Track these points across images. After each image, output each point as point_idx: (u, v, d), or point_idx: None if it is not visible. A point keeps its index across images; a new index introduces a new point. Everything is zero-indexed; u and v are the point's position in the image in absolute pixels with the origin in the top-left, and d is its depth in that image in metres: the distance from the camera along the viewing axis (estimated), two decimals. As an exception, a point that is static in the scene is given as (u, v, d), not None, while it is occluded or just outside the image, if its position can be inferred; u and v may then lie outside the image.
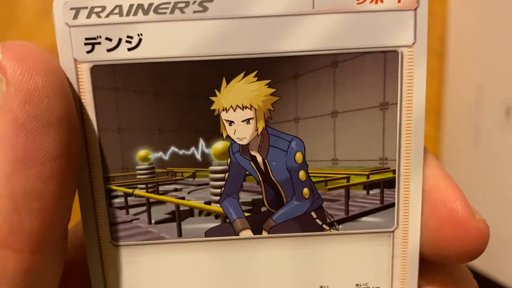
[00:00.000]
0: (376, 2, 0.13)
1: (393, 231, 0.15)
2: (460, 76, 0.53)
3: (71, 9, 0.13)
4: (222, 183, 0.15)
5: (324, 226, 0.15)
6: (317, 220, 0.15)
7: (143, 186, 0.15)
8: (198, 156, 0.15)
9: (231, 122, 0.14)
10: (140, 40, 0.14)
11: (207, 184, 0.15)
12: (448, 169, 0.56)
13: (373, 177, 0.15)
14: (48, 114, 0.12)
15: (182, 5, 0.13)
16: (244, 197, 0.15)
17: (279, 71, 0.14)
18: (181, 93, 0.14)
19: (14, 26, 0.55)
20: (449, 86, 0.55)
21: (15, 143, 0.12)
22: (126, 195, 0.15)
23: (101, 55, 0.14)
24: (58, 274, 0.14)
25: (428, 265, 0.16)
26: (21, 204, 0.12)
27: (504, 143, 0.44)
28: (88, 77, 0.14)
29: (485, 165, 0.47)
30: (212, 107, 0.14)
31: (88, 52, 0.14)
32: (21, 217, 0.12)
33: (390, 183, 0.15)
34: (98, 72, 0.14)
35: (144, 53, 0.14)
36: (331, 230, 0.15)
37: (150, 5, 0.13)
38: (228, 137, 0.15)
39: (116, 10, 0.13)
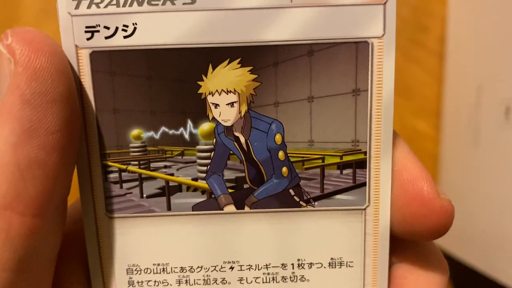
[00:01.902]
0: None
1: (364, 209, 0.16)
2: (460, 76, 0.53)
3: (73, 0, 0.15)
4: (208, 161, 0.16)
5: (301, 202, 0.16)
6: (294, 197, 0.16)
7: (136, 162, 0.16)
8: (187, 136, 0.16)
9: (216, 105, 0.16)
10: (135, 28, 0.15)
11: (194, 162, 0.16)
12: (448, 168, 0.58)
13: (346, 158, 0.16)
14: (51, 91, 0.14)
15: None
16: (228, 174, 0.17)
17: (260, 58, 0.15)
18: (171, 77, 0.16)
19: (15, 26, 0.56)
20: (448, 86, 0.55)
21: (21, 116, 0.13)
22: (120, 170, 0.16)
23: (99, 42, 0.15)
24: (58, 239, 0.15)
25: (400, 244, 0.17)
26: (25, 171, 0.13)
27: (503, 143, 0.43)
28: (87, 62, 0.15)
29: (485, 164, 0.46)
30: (199, 91, 0.16)
31: (88, 39, 0.15)
32: (25, 183, 0.13)
33: (361, 164, 0.16)
34: (97, 57, 0.15)
35: (138, 41, 0.15)
36: (308, 206, 0.16)
37: None
38: (213, 119, 0.16)
39: (114, 1, 0.15)
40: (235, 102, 0.16)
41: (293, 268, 0.17)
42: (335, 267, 0.17)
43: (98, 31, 0.15)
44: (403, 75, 0.57)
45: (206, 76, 0.15)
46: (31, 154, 0.13)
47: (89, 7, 0.15)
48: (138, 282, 0.17)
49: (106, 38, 0.15)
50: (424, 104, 0.56)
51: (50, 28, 0.52)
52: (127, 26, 0.15)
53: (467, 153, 0.50)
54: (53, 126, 0.14)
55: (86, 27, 0.15)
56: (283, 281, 0.17)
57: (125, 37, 0.15)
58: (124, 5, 0.15)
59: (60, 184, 0.14)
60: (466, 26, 0.51)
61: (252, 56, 0.15)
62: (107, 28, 0.15)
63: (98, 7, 0.15)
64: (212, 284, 0.17)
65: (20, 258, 0.14)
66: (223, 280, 0.17)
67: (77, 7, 0.15)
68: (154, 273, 0.17)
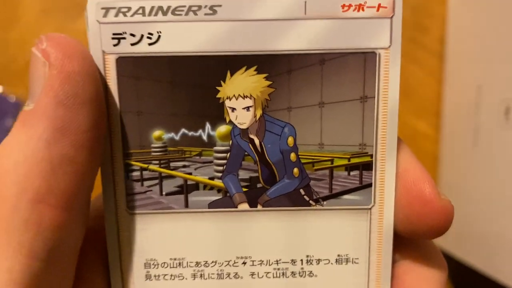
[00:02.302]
0: (358, 11, 0.16)
1: (370, 208, 0.17)
2: (460, 76, 0.52)
3: (102, 8, 0.16)
4: (224, 161, 0.17)
5: (310, 202, 0.17)
6: (304, 197, 0.17)
7: (157, 162, 0.17)
8: (205, 137, 0.17)
9: (233, 109, 0.17)
10: (159, 36, 0.16)
11: (211, 162, 0.17)
12: (448, 168, 0.56)
13: (354, 160, 0.17)
14: (82, 94, 0.15)
15: (195, 8, 0.16)
16: (243, 174, 0.18)
17: (275, 66, 0.16)
18: (192, 83, 0.17)
19: (15, 26, 0.56)
20: (448, 86, 0.55)
21: (55, 116, 0.14)
22: (142, 169, 0.17)
23: (125, 48, 0.16)
24: (82, 232, 0.16)
25: (403, 243, 0.18)
26: (57, 167, 0.14)
27: (503, 143, 0.43)
28: (113, 67, 0.16)
29: (485, 164, 0.46)
30: (218, 96, 0.17)
31: (114, 45, 0.16)
32: (57, 178, 0.14)
33: (368, 166, 0.17)
34: (123, 62, 0.16)
35: (162, 48, 0.16)
36: (317, 205, 0.17)
37: (169, 7, 0.16)
38: (230, 122, 0.17)
39: (140, 11, 0.16)
40: (250, 106, 0.17)
41: (302, 264, 0.18)
42: (341, 264, 0.18)
43: (124, 38, 0.16)
44: (403, 75, 0.58)
45: (224, 82, 0.16)
46: (63, 151, 0.14)
47: (116, 15, 0.16)
48: (155, 276, 0.18)
49: (132, 44, 0.16)
50: (424, 104, 0.57)
51: (50, 28, 0.54)
52: (151, 34, 0.16)
53: (467, 153, 0.49)
54: (83, 126, 0.15)
55: (113, 34, 0.16)
56: (292, 276, 0.18)
57: (149, 44, 0.16)
58: (149, 14, 0.16)
59: (87, 180, 0.15)
60: (466, 26, 0.51)
61: (267, 64, 0.16)
62: (133, 35, 0.16)
63: (125, 15, 0.16)
64: (225, 278, 0.18)
65: (50, 249, 0.15)
66: (235, 274, 0.18)
67: (105, 15, 0.16)
68: (170, 267, 0.18)
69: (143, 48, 0.16)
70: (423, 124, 0.57)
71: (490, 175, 0.45)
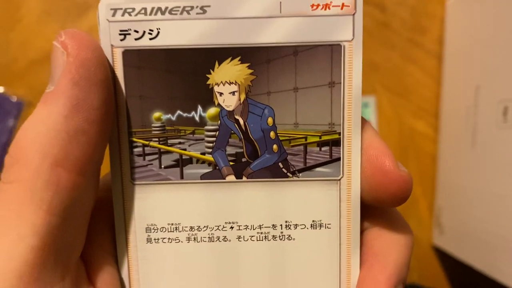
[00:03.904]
0: (325, 9, 0.19)
1: (339, 179, 0.20)
2: (458, 77, 0.52)
3: (111, 9, 0.19)
4: (214, 139, 0.20)
5: (288, 174, 0.20)
6: (283, 169, 0.20)
7: (156, 139, 0.20)
8: (197, 118, 0.20)
9: (221, 94, 0.20)
10: (158, 32, 0.19)
11: (203, 139, 0.20)
12: (446, 168, 0.55)
13: (324, 138, 0.20)
14: (94, 77, 0.18)
15: (188, 8, 0.19)
16: (230, 150, 0.20)
17: (256, 57, 0.19)
18: (186, 71, 0.19)
19: (17, 27, 0.56)
20: (446, 86, 0.55)
21: (71, 95, 0.17)
22: (144, 145, 0.20)
23: (130, 42, 0.19)
24: (93, 196, 0.19)
25: (372, 212, 0.21)
26: (73, 137, 0.17)
27: (501, 143, 0.43)
28: (120, 58, 0.19)
29: (483, 164, 0.46)
30: (208, 82, 0.19)
31: (121, 40, 0.19)
32: (72, 147, 0.17)
33: (336, 142, 0.20)
34: (128, 54, 0.19)
35: (161, 42, 0.19)
36: (293, 177, 0.20)
37: (166, 8, 0.19)
38: (218, 104, 0.20)
39: (142, 11, 0.19)
40: (236, 91, 0.20)
41: (281, 229, 0.20)
42: (316, 228, 0.20)
43: (129, 34, 0.19)
44: (402, 76, 0.57)
45: (213, 70, 0.19)
46: (78, 125, 0.17)
47: (123, 15, 0.19)
48: (154, 239, 0.21)
49: (136, 39, 0.19)
50: (422, 104, 0.57)
51: (51, 29, 0.55)
52: (152, 30, 0.19)
53: (465, 153, 0.49)
54: (95, 104, 0.17)
55: (120, 30, 0.19)
56: (273, 240, 0.20)
57: (150, 39, 0.19)
58: (150, 14, 0.19)
59: (98, 151, 0.18)
60: (464, 27, 0.51)
61: (249, 55, 0.19)
62: (136, 31, 0.19)
63: (130, 15, 0.19)
64: (216, 241, 0.20)
65: (66, 207, 0.17)
66: (224, 238, 0.20)
67: (113, 15, 0.19)
68: (168, 232, 0.20)
69: (145, 42, 0.19)
70: (422, 124, 0.58)
71: (488, 175, 0.45)
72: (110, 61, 0.19)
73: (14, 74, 0.56)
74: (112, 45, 0.19)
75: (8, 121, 0.54)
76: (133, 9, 0.19)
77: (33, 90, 0.56)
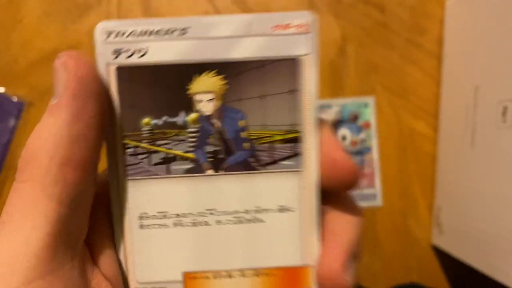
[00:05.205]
0: (285, 29, 0.22)
1: (301, 171, 0.24)
2: (457, 77, 0.52)
3: (106, 32, 0.22)
4: (195, 139, 0.23)
5: (258, 167, 0.24)
6: (254, 164, 0.24)
7: (146, 141, 0.23)
8: (181, 122, 0.23)
9: (200, 101, 0.23)
10: (146, 51, 0.22)
11: (186, 140, 0.23)
12: (446, 168, 0.55)
13: (287, 136, 0.23)
14: (91, 89, 0.20)
15: (172, 30, 0.22)
16: (208, 148, 0.23)
17: (229, 70, 0.23)
18: (170, 83, 0.23)
19: (18, 27, 0.56)
20: (446, 87, 0.55)
21: (72, 105, 0.19)
22: (135, 146, 0.23)
23: (122, 60, 0.22)
24: (93, 189, 0.21)
25: (330, 198, 0.24)
26: (75, 141, 0.20)
27: (500, 143, 0.43)
28: (114, 74, 0.22)
29: (482, 164, 0.46)
30: (188, 92, 0.23)
31: (114, 58, 0.22)
32: (75, 149, 0.19)
33: (297, 140, 0.23)
34: (121, 70, 0.22)
35: (149, 59, 0.22)
36: (262, 169, 0.24)
37: (153, 30, 0.22)
38: (198, 110, 0.23)
39: (133, 33, 0.22)
40: (212, 99, 0.23)
41: (253, 213, 0.24)
42: (282, 212, 0.24)
43: (121, 53, 0.22)
44: (402, 76, 0.58)
45: (193, 81, 0.23)
46: (79, 130, 0.20)
47: (116, 37, 0.22)
48: (147, 226, 0.23)
49: (127, 57, 0.22)
50: (422, 104, 0.58)
51: (51, 30, 0.56)
52: (141, 49, 0.22)
53: (464, 153, 0.49)
54: (92, 112, 0.20)
55: (114, 50, 0.22)
56: (247, 223, 0.24)
57: (139, 57, 0.22)
58: (139, 35, 0.22)
59: (96, 151, 0.21)
60: (464, 27, 0.50)
61: (223, 68, 0.23)
62: (127, 51, 0.22)
63: (122, 36, 0.22)
64: (198, 226, 0.24)
65: (72, 199, 0.20)
66: (206, 222, 0.24)
67: (108, 37, 0.22)
68: (157, 219, 0.23)
69: (135, 60, 0.22)
70: (421, 124, 0.58)
71: (487, 175, 0.45)
72: (106, 76, 0.22)
73: (14, 74, 0.56)
74: (107, 63, 0.22)
75: (9, 121, 0.54)
76: (125, 32, 0.22)
77: (33, 90, 0.56)
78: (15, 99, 0.55)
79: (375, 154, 0.59)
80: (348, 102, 0.58)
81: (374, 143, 0.58)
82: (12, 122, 0.55)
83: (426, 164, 0.58)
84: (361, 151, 0.59)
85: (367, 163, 0.59)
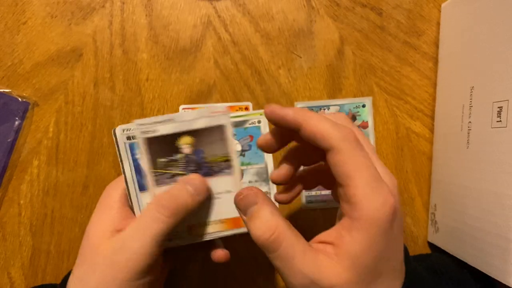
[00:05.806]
0: (216, 113, 0.46)
1: (232, 173, 0.46)
2: (452, 78, 0.51)
3: (123, 129, 0.43)
4: (184, 165, 0.46)
5: (213, 173, 0.45)
6: (211, 172, 0.47)
7: (161, 168, 0.47)
8: (176, 158, 0.44)
9: (183, 148, 0.44)
10: (156, 130, 0.47)
11: (179, 166, 0.47)
12: (441, 168, 0.54)
13: (224, 158, 0.43)
14: None
15: (165, 120, 0.43)
16: (190, 168, 0.47)
17: (195, 133, 0.42)
18: (168, 143, 0.42)
19: (22, 29, 0.54)
20: (441, 87, 0.54)
21: None
22: (157, 172, 0.48)
23: (146, 135, 0.47)
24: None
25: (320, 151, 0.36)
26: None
27: (495, 143, 0.42)
28: (128, 147, 0.45)
29: (477, 164, 0.45)
30: (177, 144, 0.43)
31: (127, 139, 0.45)
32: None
33: (229, 160, 0.43)
34: (146, 139, 0.46)
35: (157, 133, 0.46)
36: (215, 174, 0.46)
37: (154, 122, 0.44)
38: (183, 152, 0.43)
39: (135, 128, 0.43)
40: (189, 146, 0.45)
41: (217, 194, 0.45)
42: (228, 193, 0.46)
43: (130, 138, 0.44)
44: (399, 77, 0.57)
45: (179, 140, 0.43)
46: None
47: (126, 131, 0.44)
48: None
49: (132, 139, 0.46)
50: (418, 105, 0.57)
51: (56, 32, 0.55)
52: (154, 130, 0.46)
53: (459, 153, 0.48)
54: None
55: (127, 137, 0.43)
56: (217, 198, 0.45)
57: (153, 132, 0.47)
58: (153, 124, 0.47)
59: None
60: (459, 29, 0.49)
61: (192, 133, 0.42)
62: (133, 137, 0.45)
63: (129, 131, 0.44)
64: None
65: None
66: None
67: (124, 132, 0.44)
68: None
69: (152, 134, 0.46)
70: (418, 125, 0.57)
71: (482, 174, 0.44)
72: (141, 143, 0.48)
73: (19, 75, 0.55)
74: (124, 143, 0.42)
75: (14, 121, 0.52)
76: (131, 129, 0.44)
77: (38, 91, 0.56)
78: (19, 99, 0.53)
79: (373, 153, 0.60)
80: (346, 103, 0.58)
81: (371, 143, 0.53)
82: (17, 122, 0.53)
83: (423, 163, 0.57)
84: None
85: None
